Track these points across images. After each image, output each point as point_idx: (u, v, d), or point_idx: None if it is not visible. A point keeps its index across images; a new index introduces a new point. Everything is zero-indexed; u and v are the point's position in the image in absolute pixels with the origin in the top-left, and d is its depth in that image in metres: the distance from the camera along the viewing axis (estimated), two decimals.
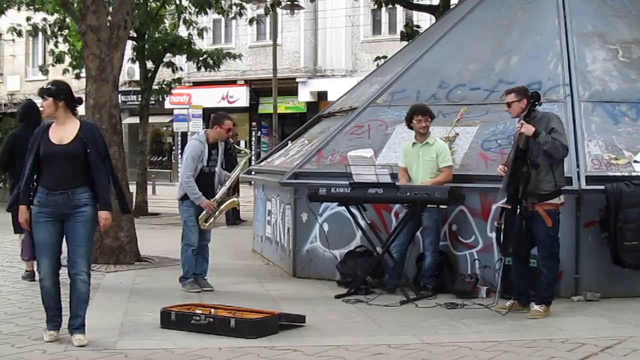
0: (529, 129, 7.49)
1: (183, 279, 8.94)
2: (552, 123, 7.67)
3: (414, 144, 8.96)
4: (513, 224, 7.57)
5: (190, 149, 8.91)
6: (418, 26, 18.83)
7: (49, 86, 6.59)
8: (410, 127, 9.00)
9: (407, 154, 9.01)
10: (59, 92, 6.55)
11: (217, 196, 8.89)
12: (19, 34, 22.49)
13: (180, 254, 9.02)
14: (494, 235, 8.31)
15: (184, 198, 8.90)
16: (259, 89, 33.34)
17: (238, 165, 9.34)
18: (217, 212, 8.92)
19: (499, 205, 7.94)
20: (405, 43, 16.37)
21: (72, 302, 6.46)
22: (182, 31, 20.68)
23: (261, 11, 22.58)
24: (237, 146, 10.30)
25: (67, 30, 19.88)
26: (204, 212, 8.82)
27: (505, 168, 7.69)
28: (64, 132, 6.48)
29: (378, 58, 18.08)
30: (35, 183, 6.45)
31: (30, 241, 6.67)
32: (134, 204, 16.18)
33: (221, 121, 8.97)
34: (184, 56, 21.12)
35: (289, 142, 12.66)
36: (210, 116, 9.34)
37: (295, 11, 23.58)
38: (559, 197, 7.69)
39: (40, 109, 6.85)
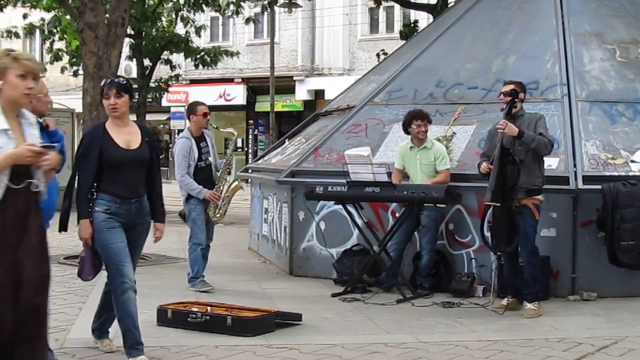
0: (512, 130, 7.50)
1: (193, 279, 8.84)
2: (539, 124, 7.72)
3: (411, 147, 8.94)
4: (503, 221, 7.59)
5: (178, 147, 8.88)
6: (416, 21, 18.84)
7: (123, 81, 5.94)
8: (407, 132, 8.96)
9: (404, 157, 8.99)
10: (132, 89, 6.03)
11: (218, 183, 8.86)
12: (16, 35, 22.52)
13: (189, 253, 8.91)
14: (489, 234, 8.31)
15: (188, 198, 8.85)
16: (256, 87, 33.33)
17: (228, 148, 9.29)
18: (222, 201, 8.88)
19: (487, 203, 7.84)
20: (401, 42, 16.39)
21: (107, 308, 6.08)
22: (180, 29, 20.68)
23: (258, 10, 22.60)
24: (221, 129, 10.19)
25: (59, 28, 19.86)
26: (210, 204, 8.79)
27: (491, 166, 7.68)
28: (129, 135, 5.86)
29: (378, 55, 18.08)
30: (94, 192, 5.78)
31: (93, 258, 5.86)
32: None
33: (194, 109, 8.91)
34: (182, 54, 21.12)
35: (286, 140, 12.66)
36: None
37: (293, 9, 23.60)
38: (541, 194, 7.77)
39: (111, 107, 5.83)
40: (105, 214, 5.72)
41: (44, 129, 5.37)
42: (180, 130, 31.82)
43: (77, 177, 5.82)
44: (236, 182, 9.19)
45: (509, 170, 7.53)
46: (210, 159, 8.93)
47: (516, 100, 7.73)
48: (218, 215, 8.90)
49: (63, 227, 5.78)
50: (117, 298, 5.78)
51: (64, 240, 13.46)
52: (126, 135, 5.81)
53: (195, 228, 8.83)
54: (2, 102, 4.34)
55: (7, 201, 4.26)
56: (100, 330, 6.23)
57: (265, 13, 26.20)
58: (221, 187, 8.90)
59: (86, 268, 5.85)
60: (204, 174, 8.84)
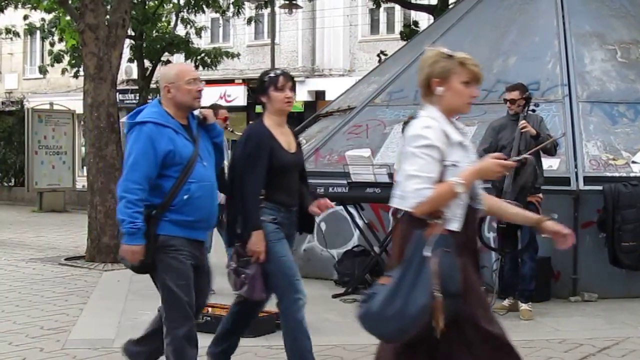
0: (531, 131, 7.60)
1: None
2: (542, 125, 7.83)
3: None
4: (513, 223, 7.60)
5: None
6: (416, 22, 18.83)
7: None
8: None
9: None
10: None
11: None
12: (16, 34, 22.58)
13: None
14: (492, 235, 8.32)
15: None
16: (256, 88, 33.31)
17: None
18: None
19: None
20: (402, 42, 16.39)
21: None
22: (180, 30, 20.68)
23: (259, 11, 22.59)
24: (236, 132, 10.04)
25: (57, 28, 19.87)
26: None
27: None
28: (287, 136, 5.38)
29: (379, 56, 18.08)
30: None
31: (263, 275, 5.22)
32: None
33: (215, 113, 8.76)
34: (182, 55, 21.13)
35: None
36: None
37: (294, 10, 23.60)
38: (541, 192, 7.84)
39: (287, 100, 5.42)
40: (273, 224, 5.19)
41: (201, 124, 4.94)
42: None
43: (243, 183, 5.19)
44: None
45: (527, 172, 7.56)
46: (225, 162, 8.74)
47: (532, 100, 7.83)
48: None
49: (238, 237, 5.18)
50: (290, 317, 5.27)
51: (64, 242, 13.47)
52: (286, 137, 5.36)
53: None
54: (442, 109, 3.84)
55: (467, 223, 3.73)
56: (224, 356, 5.67)
57: (266, 14, 26.21)
58: None
59: (258, 285, 5.18)
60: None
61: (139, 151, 4.58)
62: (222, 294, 8.61)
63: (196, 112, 4.89)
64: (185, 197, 4.63)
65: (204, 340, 6.52)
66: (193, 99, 4.77)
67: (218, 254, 9.53)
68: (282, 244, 5.23)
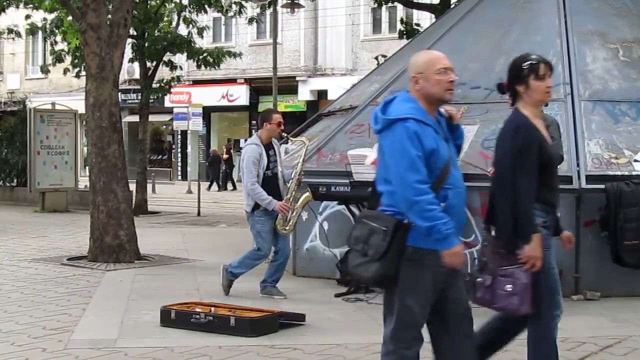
0: None
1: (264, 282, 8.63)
2: (551, 129, 7.74)
3: None
4: None
5: (248, 154, 8.35)
6: (418, 24, 18.82)
7: None
8: None
9: None
10: None
11: (288, 195, 8.45)
12: (17, 34, 22.61)
13: (249, 258, 8.58)
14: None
15: (254, 209, 8.38)
16: (259, 87, 33.33)
17: (300, 157, 8.89)
18: (292, 213, 8.46)
19: None
20: (404, 41, 16.38)
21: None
22: (182, 30, 20.69)
23: (262, 11, 22.58)
24: (291, 138, 9.82)
25: (60, 29, 19.88)
26: (279, 216, 8.38)
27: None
28: (544, 129, 4.85)
29: (377, 57, 18.08)
30: None
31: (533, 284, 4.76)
32: (134, 202, 16.18)
33: (269, 117, 8.56)
34: (184, 55, 21.14)
35: (289, 140, 12.64)
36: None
37: (296, 10, 23.61)
38: None
39: (548, 90, 4.84)
40: (544, 229, 4.72)
41: (449, 123, 4.42)
42: (183, 132, 31.80)
43: (515, 181, 4.67)
44: (307, 193, 8.77)
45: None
46: (278, 169, 8.57)
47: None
48: (287, 227, 8.49)
49: (527, 240, 4.62)
50: (545, 335, 4.91)
51: (66, 242, 13.48)
52: (543, 130, 4.81)
53: (261, 240, 8.41)
54: None
55: None
56: None
57: (268, 13, 26.21)
58: (290, 198, 8.45)
59: (528, 297, 4.71)
60: (270, 184, 8.38)
61: (412, 150, 4.10)
62: (218, 290, 8.63)
63: (442, 110, 4.38)
64: (442, 204, 4.20)
65: (208, 340, 6.54)
66: (444, 91, 4.22)
67: (218, 254, 9.54)
68: (551, 253, 4.76)
